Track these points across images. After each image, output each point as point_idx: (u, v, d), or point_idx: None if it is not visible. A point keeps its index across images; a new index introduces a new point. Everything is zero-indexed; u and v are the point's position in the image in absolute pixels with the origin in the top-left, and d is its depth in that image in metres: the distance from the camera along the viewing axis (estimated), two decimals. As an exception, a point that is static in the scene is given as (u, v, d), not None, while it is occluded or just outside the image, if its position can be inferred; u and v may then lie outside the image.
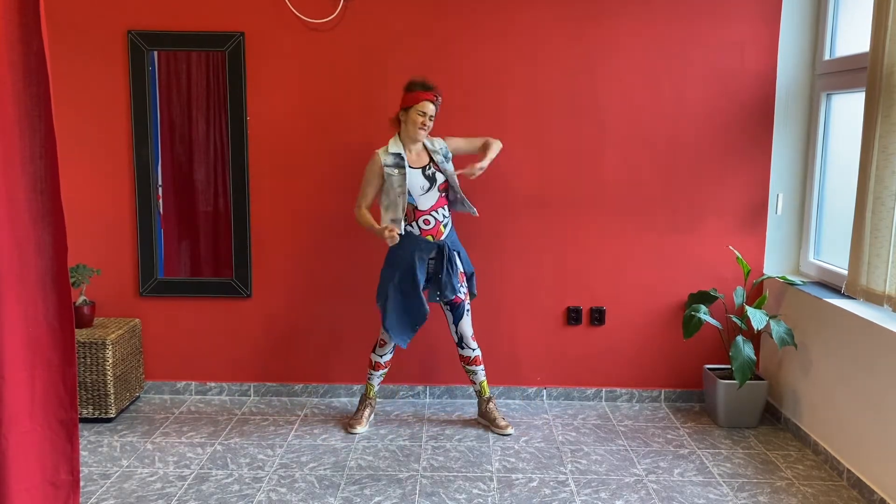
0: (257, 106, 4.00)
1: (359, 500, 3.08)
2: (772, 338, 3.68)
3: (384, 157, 3.58)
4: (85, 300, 3.91)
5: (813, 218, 3.98)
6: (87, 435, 3.67)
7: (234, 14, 3.94)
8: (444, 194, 3.64)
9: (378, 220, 3.65)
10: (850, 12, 3.76)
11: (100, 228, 4.08)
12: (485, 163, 3.57)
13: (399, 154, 3.57)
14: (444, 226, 3.65)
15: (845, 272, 3.37)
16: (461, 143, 3.73)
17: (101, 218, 4.07)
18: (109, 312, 4.14)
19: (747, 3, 3.92)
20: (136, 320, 4.10)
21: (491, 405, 3.83)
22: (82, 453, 3.46)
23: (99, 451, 3.51)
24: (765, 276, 4.02)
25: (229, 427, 3.81)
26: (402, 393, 4.21)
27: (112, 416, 3.80)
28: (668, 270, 4.10)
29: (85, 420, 3.80)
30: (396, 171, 3.56)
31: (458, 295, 3.67)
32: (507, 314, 4.15)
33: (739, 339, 3.76)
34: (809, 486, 3.23)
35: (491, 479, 3.27)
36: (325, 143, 4.02)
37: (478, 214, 3.74)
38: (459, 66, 3.97)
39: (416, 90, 3.54)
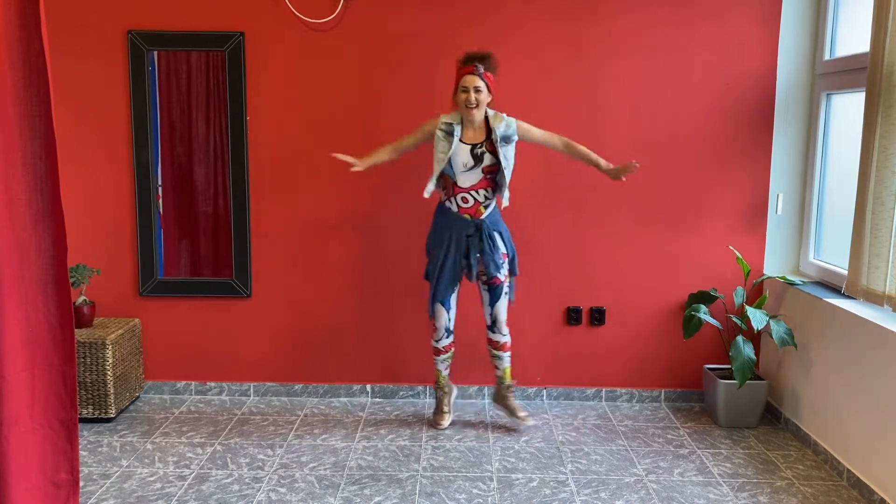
0: (257, 106, 4.00)
1: (359, 500, 3.08)
2: (772, 338, 3.68)
3: (441, 121, 3.55)
4: (85, 300, 3.91)
5: (813, 218, 3.98)
6: (87, 435, 3.67)
7: (234, 14, 3.94)
8: (488, 176, 3.57)
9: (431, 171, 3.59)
10: (850, 12, 3.76)
11: (100, 228, 4.08)
12: (631, 166, 3.52)
13: (451, 124, 3.53)
14: (485, 206, 3.59)
15: (845, 272, 3.37)
16: (536, 134, 3.62)
17: (101, 218, 4.07)
18: (109, 312, 4.14)
19: (747, 3, 3.92)
20: (136, 320, 4.10)
21: (510, 393, 3.80)
22: (82, 453, 3.46)
23: (99, 451, 3.51)
24: (765, 276, 4.02)
25: (229, 427, 3.81)
26: (402, 393, 4.21)
27: (112, 416, 3.80)
28: (668, 270, 4.10)
29: (85, 420, 3.80)
30: (444, 136, 3.52)
31: (498, 275, 3.62)
32: (508, 314, 4.14)
33: (739, 339, 3.76)
34: (809, 486, 3.24)
35: (491, 479, 3.27)
36: (325, 142, 4.02)
37: (506, 206, 3.66)
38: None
39: (460, 67, 3.49)
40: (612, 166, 3.61)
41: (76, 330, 3.76)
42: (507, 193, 3.61)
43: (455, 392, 3.96)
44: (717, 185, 4.04)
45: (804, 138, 4.02)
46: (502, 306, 3.69)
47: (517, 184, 4.04)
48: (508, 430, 3.81)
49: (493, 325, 3.72)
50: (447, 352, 3.80)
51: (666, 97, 3.99)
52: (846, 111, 3.78)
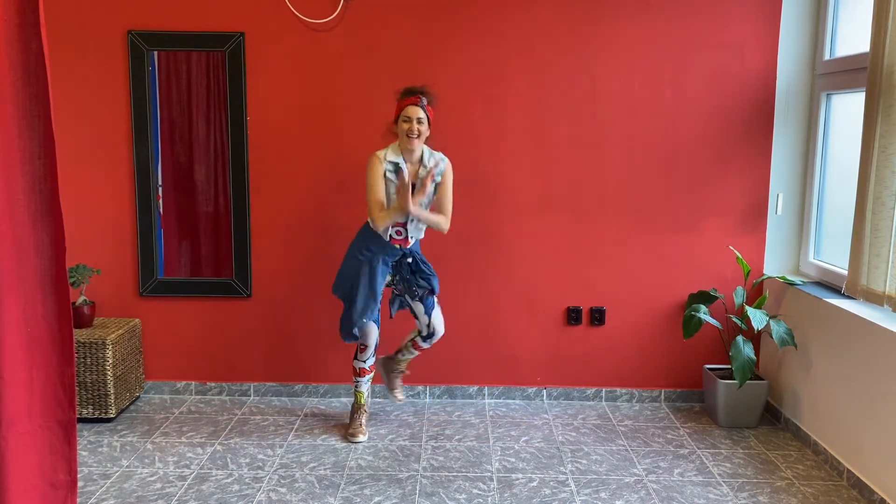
0: (257, 106, 4.00)
1: (359, 500, 3.08)
2: (772, 338, 3.68)
3: (386, 160, 3.50)
4: (85, 300, 3.91)
5: (813, 218, 3.98)
6: (87, 435, 3.67)
7: (234, 14, 3.94)
8: None
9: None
10: (850, 12, 3.75)
11: (100, 228, 4.08)
12: (417, 209, 3.44)
13: (395, 162, 3.50)
14: (411, 238, 3.62)
15: (845, 272, 3.36)
16: (443, 194, 3.56)
17: (101, 218, 4.07)
18: (109, 312, 4.14)
19: (747, 3, 3.92)
20: (136, 320, 4.10)
21: (400, 374, 3.88)
22: (82, 453, 3.46)
23: (99, 451, 3.51)
24: (765, 276, 4.02)
25: (229, 427, 3.81)
26: (402, 393, 4.21)
27: (112, 416, 3.80)
28: (668, 270, 4.10)
29: (85, 420, 3.80)
30: (394, 176, 3.51)
31: (431, 288, 3.65)
32: (508, 314, 4.15)
33: (739, 339, 3.75)
34: (809, 486, 3.23)
35: (491, 479, 3.27)
36: (325, 142, 4.02)
37: (419, 238, 3.66)
38: (459, 66, 3.96)
39: (401, 98, 3.50)
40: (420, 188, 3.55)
41: (76, 330, 3.77)
42: (436, 220, 3.54)
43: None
44: (716, 185, 4.04)
45: (804, 138, 4.01)
46: (439, 317, 3.72)
47: (518, 183, 4.04)
48: (508, 430, 3.81)
49: (431, 337, 3.73)
50: (371, 371, 3.80)
51: (666, 97, 3.98)
52: (846, 111, 3.77)
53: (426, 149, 3.57)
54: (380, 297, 3.63)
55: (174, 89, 4.02)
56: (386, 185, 3.51)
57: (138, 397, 4.17)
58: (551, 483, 3.24)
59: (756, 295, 4.10)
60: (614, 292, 4.12)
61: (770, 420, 3.95)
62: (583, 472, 3.34)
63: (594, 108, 4.00)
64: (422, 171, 3.54)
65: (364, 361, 3.76)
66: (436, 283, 3.68)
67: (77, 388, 3.68)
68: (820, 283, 3.82)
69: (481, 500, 3.09)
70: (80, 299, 3.90)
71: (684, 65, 3.96)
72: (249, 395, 4.22)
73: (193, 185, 4.08)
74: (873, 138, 3.07)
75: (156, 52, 3.97)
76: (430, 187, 3.54)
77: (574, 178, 4.03)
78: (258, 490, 3.15)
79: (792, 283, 3.81)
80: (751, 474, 3.34)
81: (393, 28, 3.95)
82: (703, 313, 3.83)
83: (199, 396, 4.21)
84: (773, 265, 4.10)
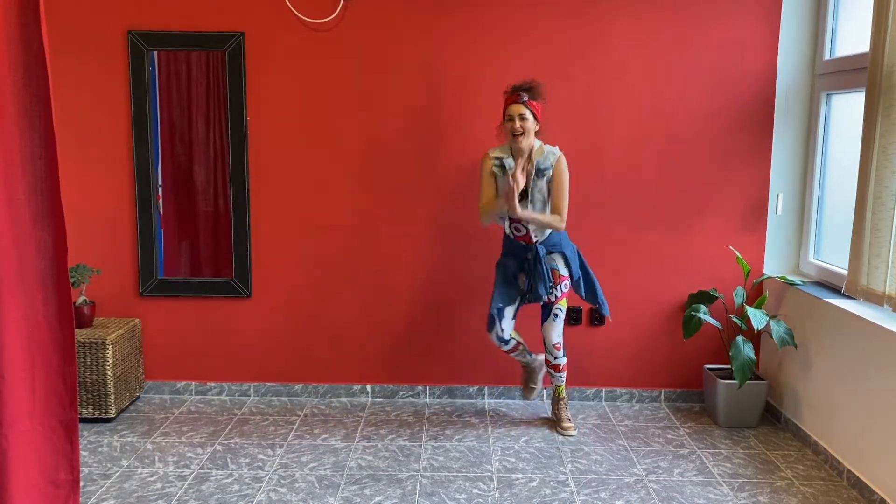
0: (257, 106, 4.00)
1: (359, 500, 3.08)
2: (772, 338, 3.68)
3: (491, 157, 3.59)
4: (85, 300, 3.91)
5: (813, 218, 3.98)
6: (87, 435, 3.67)
7: (234, 14, 3.94)
8: (538, 207, 3.59)
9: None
10: (850, 12, 3.76)
11: (100, 228, 4.08)
12: (522, 211, 3.47)
13: (501, 158, 3.57)
14: (536, 233, 3.60)
15: (845, 272, 3.37)
16: (555, 186, 3.55)
17: (101, 218, 4.07)
18: (109, 312, 4.14)
19: (747, 3, 3.92)
20: (136, 320, 4.10)
21: (560, 405, 3.82)
22: (82, 453, 3.46)
23: (99, 451, 3.51)
24: (765, 276, 4.02)
25: (229, 427, 3.81)
26: (402, 393, 4.21)
27: (112, 416, 3.80)
28: (668, 270, 4.10)
29: (85, 420, 3.80)
30: (499, 172, 3.57)
31: (547, 297, 3.62)
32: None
33: (739, 339, 3.76)
34: (809, 486, 3.23)
35: (491, 479, 3.27)
36: (325, 142, 4.02)
37: (540, 239, 3.61)
38: (459, 65, 3.96)
39: (506, 97, 3.53)
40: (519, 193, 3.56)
41: (76, 330, 3.76)
42: (547, 220, 3.53)
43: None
44: (716, 185, 4.04)
45: (804, 138, 4.02)
46: (550, 327, 3.68)
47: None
48: (508, 430, 3.81)
49: (545, 343, 3.73)
50: (516, 350, 3.78)
51: (666, 97, 3.99)
52: (846, 111, 3.78)
53: (538, 143, 3.58)
54: (510, 297, 3.63)
55: (174, 89, 4.02)
56: (498, 181, 3.59)
57: (138, 397, 4.17)
58: (551, 483, 3.24)
59: (756, 295, 4.10)
60: (614, 292, 4.12)
61: (770, 420, 3.95)
62: (583, 472, 3.35)
63: (594, 107, 4.00)
64: (531, 168, 3.54)
65: (500, 348, 3.72)
66: (553, 294, 3.62)
67: (77, 388, 3.68)
68: (820, 283, 3.83)
69: (481, 500, 3.09)
70: (81, 299, 3.90)
71: (684, 64, 3.97)
72: (249, 395, 4.22)
73: (193, 185, 4.08)
74: (873, 138, 3.07)
75: (156, 52, 3.97)
76: (540, 184, 3.53)
77: (574, 177, 4.03)
78: (258, 490, 3.15)
79: (792, 283, 3.81)
80: (751, 474, 3.34)
81: (393, 28, 3.95)
82: (703, 313, 3.83)
83: (199, 396, 4.21)
84: (773, 265, 4.10)
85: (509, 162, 3.56)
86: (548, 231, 3.61)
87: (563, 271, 3.66)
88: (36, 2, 2.17)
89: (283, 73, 3.98)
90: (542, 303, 3.68)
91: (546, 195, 3.58)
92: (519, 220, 3.58)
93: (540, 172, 3.54)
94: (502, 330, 3.65)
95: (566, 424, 3.77)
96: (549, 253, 3.63)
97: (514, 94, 3.51)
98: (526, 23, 3.94)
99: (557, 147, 3.61)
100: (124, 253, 4.10)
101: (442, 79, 3.95)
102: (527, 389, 3.96)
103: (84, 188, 4.04)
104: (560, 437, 3.71)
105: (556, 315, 3.67)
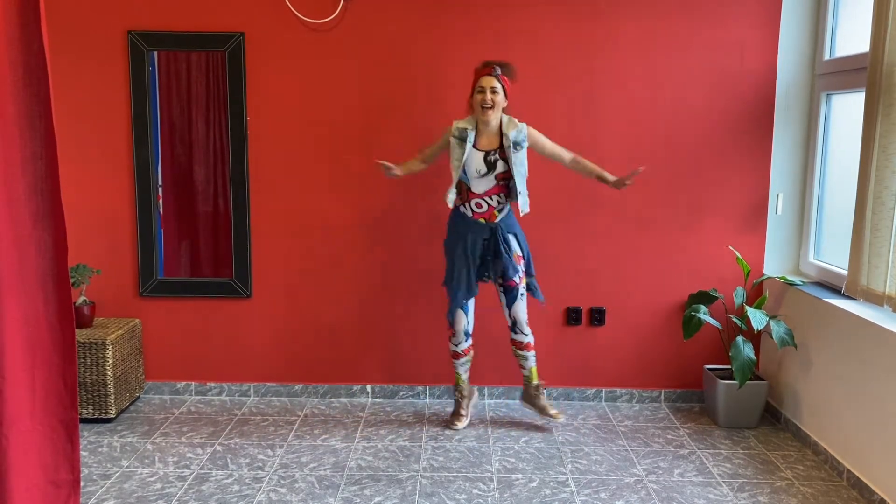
0: (257, 106, 4.00)
1: (359, 500, 3.08)
2: (772, 338, 3.68)
3: (455, 126, 3.57)
4: (85, 300, 3.91)
5: (813, 218, 3.98)
6: (87, 435, 3.67)
7: (234, 14, 3.94)
8: (501, 182, 3.58)
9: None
10: (850, 12, 3.76)
11: (100, 228, 4.08)
12: (635, 172, 3.53)
13: (465, 129, 3.55)
14: (499, 210, 3.60)
15: (845, 272, 3.37)
16: (546, 145, 3.63)
17: (101, 218, 4.07)
18: (109, 312, 4.14)
19: (747, 3, 3.92)
20: (136, 320, 4.10)
21: (539, 392, 3.80)
22: (82, 453, 3.46)
23: (99, 451, 3.51)
24: (765, 277, 4.02)
25: (229, 427, 3.81)
26: (402, 393, 4.21)
27: (112, 416, 3.80)
28: (668, 270, 4.10)
29: (85, 420, 3.80)
30: (457, 143, 3.54)
31: (514, 278, 3.62)
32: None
33: (739, 339, 3.76)
34: (809, 487, 3.23)
35: (491, 480, 3.27)
36: (325, 142, 4.03)
37: (526, 212, 3.60)
38: (459, 65, 3.96)
39: (477, 70, 3.54)
40: (616, 178, 3.61)
41: (76, 330, 3.77)
42: (524, 199, 3.57)
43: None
44: (716, 185, 4.04)
45: (804, 138, 4.02)
46: (520, 307, 3.68)
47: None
48: (508, 430, 3.81)
49: (514, 326, 3.71)
50: (466, 355, 3.79)
51: (666, 97, 3.99)
52: (846, 111, 3.78)
53: (505, 118, 3.58)
54: (469, 289, 3.62)
55: (174, 89, 4.02)
56: (451, 150, 3.57)
57: (138, 397, 4.17)
58: (551, 483, 3.24)
59: (756, 295, 4.10)
60: (614, 292, 4.12)
61: (770, 420, 3.95)
62: (583, 473, 3.35)
63: (594, 107, 4.00)
64: (505, 143, 3.52)
65: (456, 345, 3.75)
66: (518, 275, 3.61)
67: (77, 388, 3.68)
68: (820, 284, 3.83)
69: (481, 501, 3.09)
70: (81, 299, 3.90)
71: (684, 65, 3.97)
72: (249, 395, 4.22)
73: (193, 185, 4.08)
74: (873, 138, 3.07)
75: (156, 52, 3.97)
76: (520, 156, 3.53)
77: (574, 177, 4.03)
78: (258, 490, 3.15)
79: (792, 284, 3.81)
80: (751, 474, 3.34)
81: (393, 28, 3.95)
82: (703, 313, 3.83)
83: (199, 396, 4.21)
84: (773, 265, 4.10)
85: (471, 136, 3.54)
86: (506, 209, 3.62)
87: (518, 251, 3.66)
88: (36, 2, 2.17)
89: (283, 73, 3.98)
90: (499, 284, 3.66)
91: (526, 167, 3.58)
92: (482, 195, 3.56)
93: (517, 145, 3.54)
94: (468, 323, 3.68)
95: (553, 412, 3.77)
96: (507, 233, 3.63)
97: (487, 67, 3.52)
98: (527, 23, 3.94)
99: (519, 121, 3.61)
100: (124, 253, 4.10)
101: (442, 79, 3.95)
102: (457, 417, 3.84)
103: (84, 188, 4.04)
104: (560, 438, 3.71)
105: (522, 294, 3.67)
